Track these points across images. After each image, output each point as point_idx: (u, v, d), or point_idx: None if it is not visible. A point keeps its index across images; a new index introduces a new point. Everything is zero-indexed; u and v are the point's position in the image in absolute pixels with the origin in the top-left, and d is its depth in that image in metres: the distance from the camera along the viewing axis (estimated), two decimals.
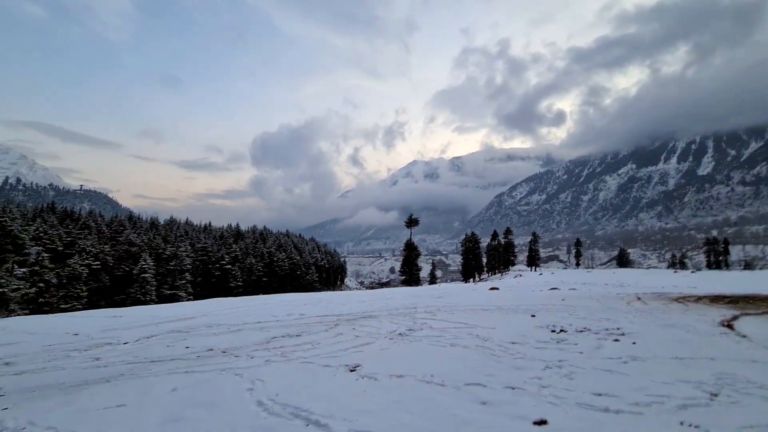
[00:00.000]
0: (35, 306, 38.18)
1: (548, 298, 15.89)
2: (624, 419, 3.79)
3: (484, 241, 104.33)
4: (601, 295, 16.81)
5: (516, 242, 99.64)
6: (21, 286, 33.66)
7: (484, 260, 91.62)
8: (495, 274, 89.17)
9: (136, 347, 8.22)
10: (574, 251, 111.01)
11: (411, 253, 64.88)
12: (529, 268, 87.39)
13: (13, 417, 4.10)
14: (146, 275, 54.14)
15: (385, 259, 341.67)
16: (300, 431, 3.59)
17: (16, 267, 35.25)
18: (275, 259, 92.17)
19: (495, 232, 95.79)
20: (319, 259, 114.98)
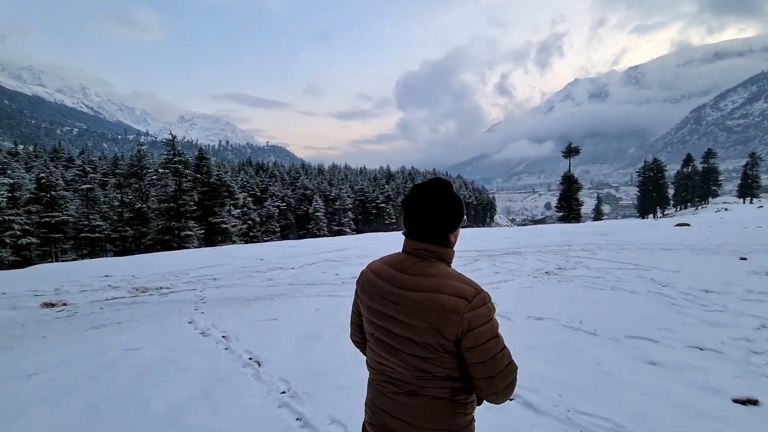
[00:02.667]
0: (248, 238, 49.33)
1: None
2: None
3: (672, 169, 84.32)
4: None
5: (722, 167, 77.46)
6: (236, 223, 43.83)
7: (671, 192, 74.70)
8: (686, 208, 72.24)
9: (298, 272, 9.61)
10: None
11: (570, 186, 57.63)
12: (742, 200, 67.53)
13: (203, 320, 5.21)
14: (318, 214, 63.70)
15: (539, 195, 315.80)
16: None
17: (232, 209, 45.83)
18: None
19: (689, 155, 76.00)
20: (467, 196, 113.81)
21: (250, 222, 52.56)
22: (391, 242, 16.95)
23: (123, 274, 10.27)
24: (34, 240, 29.16)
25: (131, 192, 35.52)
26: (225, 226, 38.34)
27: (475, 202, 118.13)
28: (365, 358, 1.27)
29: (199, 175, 37.07)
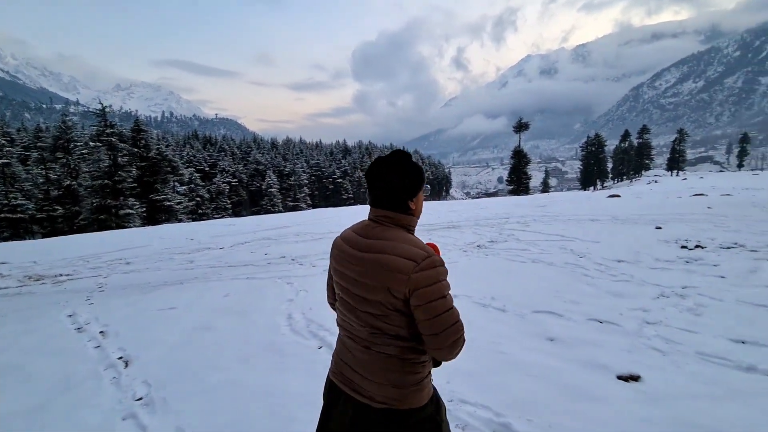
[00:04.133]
0: (196, 216, 46.57)
1: (686, 206, 12.69)
2: None
3: (612, 144, 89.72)
4: None
5: (655, 143, 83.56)
6: (182, 201, 41.05)
7: (610, 166, 79.74)
8: (622, 180, 77.66)
9: (226, 252, 8.98)
10: (737, 150, 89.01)
11: (519, 160, 59.63)
12: (669, 173, 73.59)
13: (88, 312, 4.59)
14: (272, 190, 61.49)
15: (493, 169, 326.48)
16: (305, 354, 3.11)
17: (177, 185, 42.76)
18: None
19: (626, 131, 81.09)
20: (424, 171, 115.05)
21: (198, 199, 49.59)
22: (338, 218, 16.53)
23: (23, 260, 9.10)
24: None
25: (59, 168, 31.84)
26: (169, 203, 35.82)
27: (431, 177, 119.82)
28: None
29: (136, 149, 33.94)
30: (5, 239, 28.85)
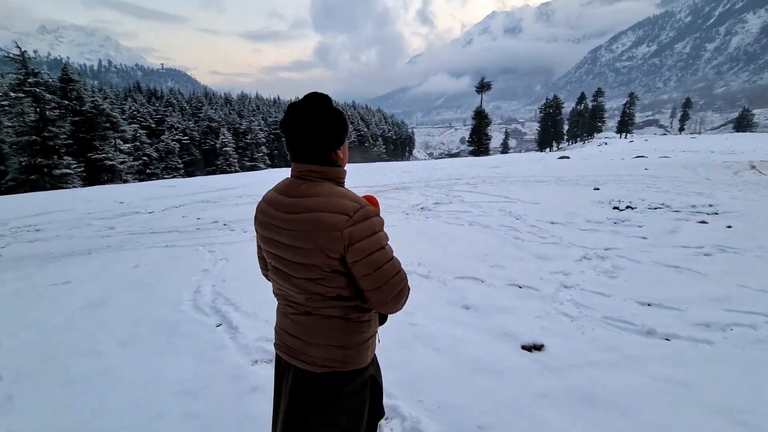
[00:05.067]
0: (144, 176, 43.30)
1: (627, 168, 13.21)
2: (678, 355, 2.40)
3: (569, 106, 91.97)
4: (699, 164, 13.57)
5: (608, 106, 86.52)
6: (126, 160, 37.73)
7: (566, 128, 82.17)
8: (576, 142, 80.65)
9: (154, 217, 8.28)
10: (680, 114, 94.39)
11: (480, 121, 59.91)
12: (619, 135, 77.09)
13: None
14: (227, 149, 58.11)
15: (456, 129, 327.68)
16: (200, 335, 2.82)
17: (120, 143, 39.05)
18: None
19: (582, 94, 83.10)
20: (386, 130, 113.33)
21: (145, 158, 46.01)
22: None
23: None
24: None
25: None
26: (111, 163, 32.86)
27: (394, 137, 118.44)
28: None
29: (67, 102, 30.30)
30: None
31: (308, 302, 1.09)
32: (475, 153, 57.85)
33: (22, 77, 26.74)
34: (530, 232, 5.32)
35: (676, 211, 6.22)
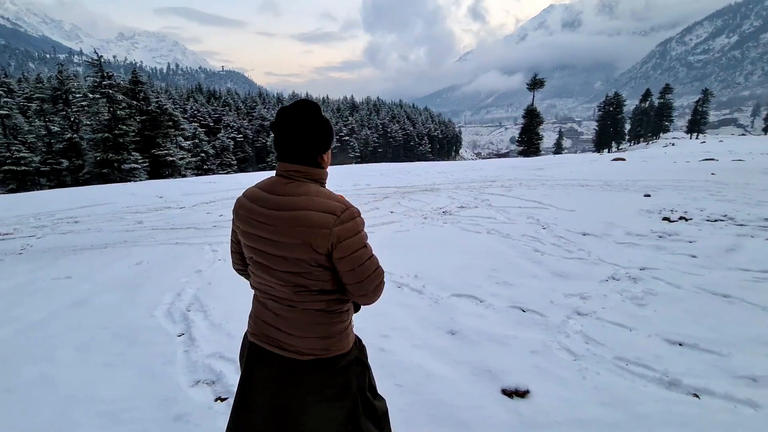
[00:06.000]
0: (201, 171, 46.12)
1: (689, 172, 11.74)
2: (706, 420, 1.85)
3: (632, 104, 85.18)
4: None
5: (678, 104, 79.10)
6: (185, 156, 40.39)
7: (628, 127, 76.07)
8: (639, 143, 74.52)
9: (182, 213, 8.53)
10: (765, 113, 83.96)
11: (531, 120, 57.18)
12: (689, 136, 70.15)
13: None
14: None
15: (506, 129, 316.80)
16: (157, 345, 2.65)
17: (180, 140, 41.89)
18: (388, 130, 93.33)
19: (647, 91, 76.61)
20: (433, 129, 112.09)
21: (203, 154, 48.99)
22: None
23: None
24: None
25: (59, 120, 31.15)
26: (171, 158, 35.32)
27: (440, 136, 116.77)
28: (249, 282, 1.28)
29: (135, 102, 33.00)
30: (11, 191, 28.98)
31: (293, 295, 1.14)
32: (524, 153, 55.32)
33: (98, 80, 29.52)
34: (554, 244, 4.71)
35: (741, 225, 5.26)
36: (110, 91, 29.46)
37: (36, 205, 10.27)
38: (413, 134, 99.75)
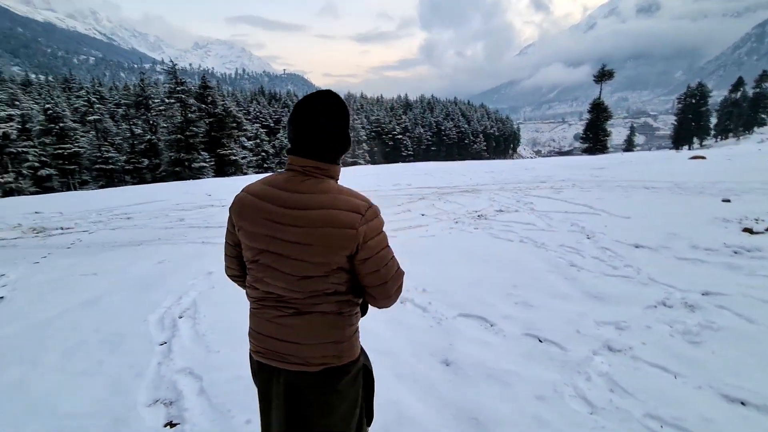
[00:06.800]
0: (261, 170, 48.86)
1: None
2: None
3: (719, 95, 75.56)
4: None
5: None
6: (247, 155, 43.08)
7: (714, 121, 67.53)
8: (727, 138, 66.02)
9: (221, 211, 8.76)
10: None
11: (598, 114, 53.17)
12: None
13: (20, 271, 4.54)
14: None
15: (569, 125, 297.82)
16: (137, 354, 2.57)
17: (243, 140, 44.74)
18: (442, 128, 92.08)
19: (740, 79, 67.61)
20: (488, 126, 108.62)
21: (263, 153, 51.80)
22: (364, 175, 15.79)
23: (54, 210, 9.79)
24: (53, 171, 29.68)
25: (140, 123, 34.83)
26: (234, 157, 37.81)
27: (497, 133, 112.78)
28: (244, 291, 1.21)
29: (204, 105, 35.86)
30: (101, 187, 32.77)
31: (306, 299, 1.07)
32: (589, 151, 51.45)
33: (173, 86, 32.73)
34: (596, 257, 4.06)
35: None
36: (183, 96, 32.43)
37: (102, 201, 11.25)
38: (468, 132, 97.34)
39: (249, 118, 55.40)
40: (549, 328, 2.69)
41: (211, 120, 36.07)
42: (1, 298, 3.73)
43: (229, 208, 1.14)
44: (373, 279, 1.08)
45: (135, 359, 2.53)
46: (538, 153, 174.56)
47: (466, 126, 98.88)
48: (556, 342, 2.52)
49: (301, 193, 1.04)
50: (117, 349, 2.67)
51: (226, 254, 1.25)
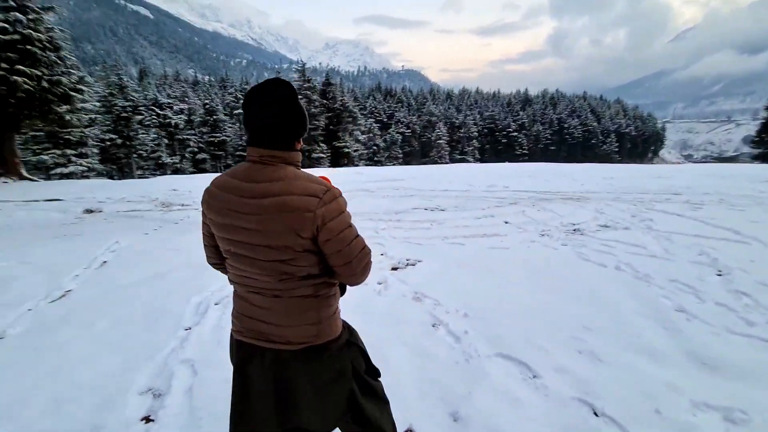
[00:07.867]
0: (371, 162, 51.48)
1: None
2: None
3: None
4: None
5: None
6: (359, 148, 45.90)
7: None
8: None
9: None
10: None
11: None
12: None
13: (131, 238, 5.29)
14: (440, 141, 62.53)
15: (737, 125, 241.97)
16: (153, 340, 2.67)
17: (358, 134, 47.78)
18: (565, 126, 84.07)
19: None
20: (623, 125, 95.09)
21: (375, 147, 54.36)
22: (462, 174, 15.00)
23: (186, 189, 11.55)
24: (207, 156, 36.61)
25: None
26: (347, 150, 40.74)
27: (633, 133, 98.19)
28: (227, 276, 1.25)
29: (325, 101, 39.45)
30: None
31: (279, 284, 1.11)
32: (762, 158, 41.08)
33: (300, 83, 37.04)
34: (723, 304, 2.96)
35: None
36: (308, 93, 36.26)
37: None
38: (596, 131, 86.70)
39: (364, 113, 58.39)
40: (615, 397, 1.98)
41: (329, 114, 39.25)
42: (105, 262, 4.39)
43: (201, 201, 1.19)
44: (337, 259, 1.12)
45: (158, 340, 2.64)
46: (688, 158, 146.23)
47: (594, 124, 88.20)
48: (618, 421, 1.82)
49: (257, 182, 1.08)
50: (152, 326, 2.83)
51: (204, 244, 1.30)
